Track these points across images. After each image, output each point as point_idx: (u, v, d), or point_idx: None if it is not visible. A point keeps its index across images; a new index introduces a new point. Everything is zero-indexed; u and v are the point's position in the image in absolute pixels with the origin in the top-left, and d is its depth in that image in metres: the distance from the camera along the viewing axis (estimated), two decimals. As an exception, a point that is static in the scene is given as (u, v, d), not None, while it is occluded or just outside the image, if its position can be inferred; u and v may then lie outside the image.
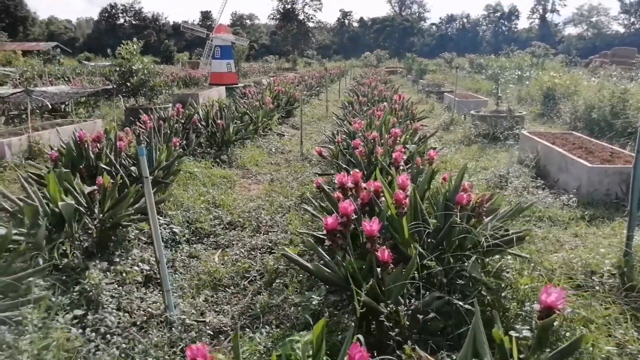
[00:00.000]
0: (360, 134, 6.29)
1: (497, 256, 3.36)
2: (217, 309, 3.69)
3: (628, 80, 15.99)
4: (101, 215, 4.08)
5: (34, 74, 18.06)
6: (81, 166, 5.04)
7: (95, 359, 2.88)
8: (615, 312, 3.18)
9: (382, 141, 5.62)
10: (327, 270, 2.80)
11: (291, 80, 16.38)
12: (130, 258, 4.18)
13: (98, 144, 5.23)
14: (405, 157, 4.99)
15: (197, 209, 5.48)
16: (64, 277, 3.66)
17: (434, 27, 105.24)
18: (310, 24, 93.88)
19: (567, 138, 7.54)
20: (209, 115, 7.96)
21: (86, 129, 8.40)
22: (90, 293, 3.46)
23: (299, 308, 3.23)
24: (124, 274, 3.92)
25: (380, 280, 2.63)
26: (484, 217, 3.30)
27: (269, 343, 2.89)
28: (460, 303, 2.71)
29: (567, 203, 5.68)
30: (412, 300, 2.69)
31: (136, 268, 4.03)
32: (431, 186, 3.87)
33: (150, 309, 3.54)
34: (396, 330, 2.38)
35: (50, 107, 9.39)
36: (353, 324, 2.49)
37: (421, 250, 2.82)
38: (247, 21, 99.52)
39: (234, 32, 73.75)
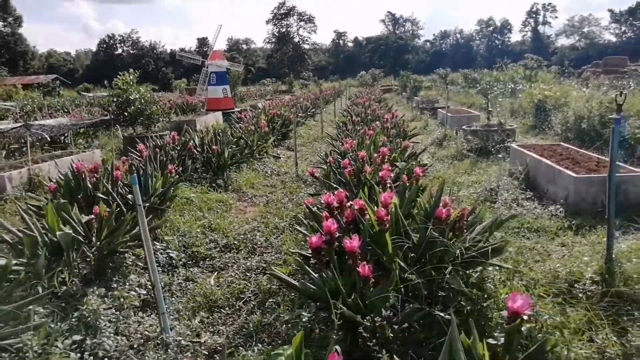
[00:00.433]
0: (351, 154, 6.45)
1: (479, 267, 3.49)
2: (213, 330, 3.79)
3: (618, 90, 16.28)
4: (98, 243, 4.22)
5: (34, 107, 18.39)
6: (79, 196, 5.19)
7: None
8: (594, 318, 3.29)
9: (371, 160, 5.78)
10: (313, 287, 2.93)
11: (286, 102, 16.63)
12: (127, 283, 4.30)
13: (95, 174, 5.39)
14: (393, 175, 5.16)
15: (194, 233, 5.61)
16: (63, 304, 3.78)
17: (428, 43, 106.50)
18: (306, 46, 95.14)
19: (556, 149, 7.70)
20: (204, 141, 8.15)
21: (85, 159, 8.60)
22: (89, 318, 3.58)
23: (290, 325, 3.34)
24: (121, 299, 4.03)
25: (363, 294, 2.76)
26: (465, 231, 3.43)
27: (261, 358, 3.00)
28: (442, 314, 2.83)
29: (555, 213, 5.81)
30: (394, 313, 2.81)
31: (133, 293, 4.15)
32: (418, 202, 4.01)
33: (147, 332, 3.65)
34: (374, 341, 2.50)
35: (49, 139, 9.61)
36: (334, 336, 2.60)
37: (402, 264, 2.94)
38: (244, 46, 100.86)
39: (230, 57, 74.85)
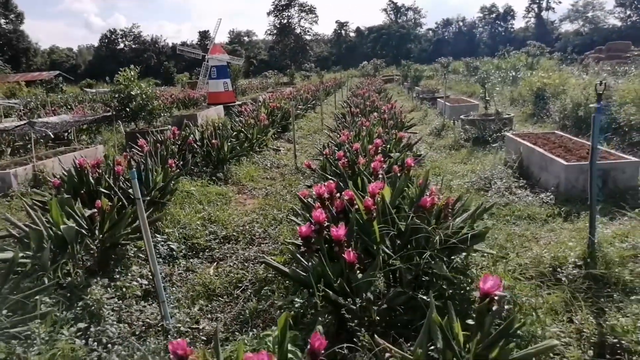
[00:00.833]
0: (347, 146, 6.59)
1: (463, 253, 3.64)
2: (211, 317, 3.97)
3: (618, 76, 16.27)
4: (101, 236, 4.39)
5: (37, 103, 18.58)
6: (82, 191, 5.37)
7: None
8: (573, 300, 3.44)
9: (365, 151, 5.92)
10: (303, 273, 3.09)
11: (287, 95, 16.74)
12: (129, 274, 4.48)
13: (97, 170, 5.56)
14: (386, 165, 5.31)
15: (194, 225, 5.78)
16: (68, 295, 3.97)
17: (430, 32, 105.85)
18: (307, 37, 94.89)
19: (549, 138, 7.81)
20: (204, 136, 8.31)
21: (88, 155, 8.78)
22: (92, 308, 3.76)
23: (283, 310, 3.51)
24: (124, 289, 4.22)
25: (349, 279, 2.92)
26: (449, 218, 3.58)
27: (254, 342, 3.17)
28: (425, 297, 2.99)
29: (546, 201, 5.94)
30: (379, 297, 2.97)
31: (135, 283, 4.33)
32: (406, 191, 4.16)
33: (148, 320, 3.83)
34: (355, 321, 2.65)
35: (52, 136, 9.80)
36: (320, 318, 2.76)
37: (387, 251, 3.10)
38: (245, 38, 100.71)
39: (232, 50, 74.71)
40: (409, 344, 2.58)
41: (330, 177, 5.64)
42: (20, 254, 3.98)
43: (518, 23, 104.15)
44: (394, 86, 32.80)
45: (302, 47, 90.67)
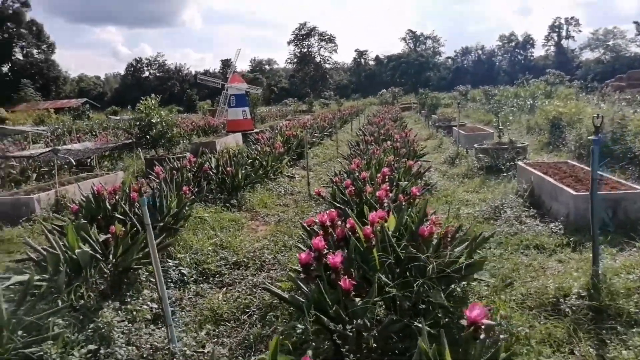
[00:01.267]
0: (357, 174, 6.71)
1: (463, 282, 3.70)
2: (217, 341, 4.07)
3: (636, 105, 16.14)
4: (114, 260, 4.56)
5: (64, 130, 19.24)
6: (99, 216, 5.58)
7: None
8: (570, 331, 3.45)
9: (373, 180, 6.04)
10: (301, 299, 3.18)
11: (304, 123, 17.00)
12: (140, 298, 4.62)
13: (114, 196, 5.78)
14: (392, 194, 5.40)
15: (205, 251, 5.92)
16: (81, 317, 4.12)
17: (449, 60, 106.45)
18: (327, 66, 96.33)
19: (561, 167, 7.81)
20: (219, 163, 8.54)
21: (109, 181, 9.08)
22: (103, 330, 3.89)
23: (284, 336, 3.60)
24: (134, 313, 4.34)
25: (345, 305, 3.00)
26: (448, 247, 3.65)
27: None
28: (420, 325, 3.05)
29: (555, 231, 5.93)
30: (375, 323, 3.03)
31: (145, 307, 4.46)
32: (407, 220, 4.24)
33: (156, 343, 3.94)
34: (347, 347, 2.73)
35: (74, 163, 10.17)
36: (313, 343, 2.84)
37: (384, 278, 3.18)
38: (266, 66, 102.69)
39: (254, 78, 76.13)
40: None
41: (338, 204, 5.75)
42: (37, 277, 4.17)
43: (538, 51, 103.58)
44: (411, 114, 32.99)
45: (321, 76, 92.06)
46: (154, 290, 4.93)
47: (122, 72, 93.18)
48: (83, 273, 4.37)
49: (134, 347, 3.88)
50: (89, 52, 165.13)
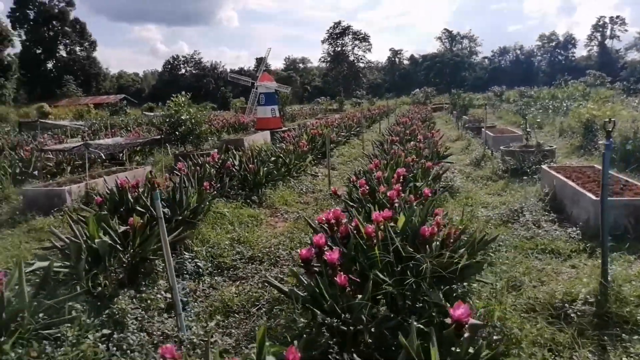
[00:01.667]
0: (372, 174, 6.75)
1: (464, 283, 3.72)
2: (225, 332, 4.21)
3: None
4: (132, 250, 4.77)
5: (100, 125, 19.94)
6: (122, 209, 5.83)
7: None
8: (583, 338, 3.43)
9: (388, 180, 6.08)
10: (300, 293, 3.28)
11: (331, 122, 17.09)
12: (156, 287, 4.81)
13: (137, 189, 6.02)
14: (404, 195, 5.43)
15: (222, 245, 6.10)
16: (98, 303, 4.34)
17: (486, 60, 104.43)
18: (360, 65, 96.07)
19: (585, 172, 7.64)
20: (242, 160, 8.73)
21: (137, 175, 9.41)
22: (117, 316, 4.10)
23: (286, 328, 3.71)
24: (148, 301, 4.54)
25: (341, 300, 3.08)
26: (450, 248, 3.67)
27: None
28: (415, 323, 3.10)
29: (572, 236, 5.84)
30: (369, 320, 3.10)
31: (159, 296, 4.65)
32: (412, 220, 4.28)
33: (166, 331, 4.12)
34: (334, 339, 2.81)
35: (104, 157, 10.59)
36: (321, 339, 2.94)
37: (381, 276, 3.24)
38: (300, 65, 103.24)
39: (287, 76, 76.46)
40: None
41: (351, 204, 5.82)
42: (59, 264, 4.42)
43: (580, 52, 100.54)
44: (442, 115, 32.60)
45: (354, 74, 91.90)
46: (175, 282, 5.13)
47: (160, 69, 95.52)
48: (102, 262, 4.60)
49: (146, 334, 4.06)
50: (128, 49, 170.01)
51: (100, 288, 4.44)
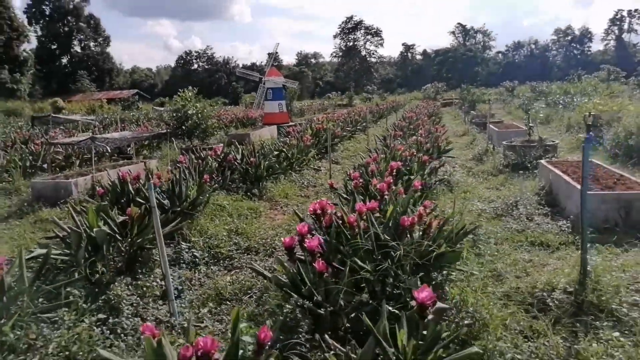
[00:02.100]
0: (368, 167, 6.87)
1: (444, 271, 3.85)
2: (216, 318, 4.39)
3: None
4: (130, 239, 4.96)
5: (112, 120, 20.26)
6: (123, 200, 6.03)
7: (107, 349, 3.65)
8: (558, 325, 3.54)
9: (382, 173, 6.20)
10: (282, 279, 3.43)
11: (337, 117, 17.19)
12: (152, 275, 5.00)
13: (138, 182, 6.22)
14: (395, 187, 5.54)
15: (220, 236, 6.27)
16: (96, 290, 4.54)
17: (500, 55, 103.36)
18: (373, 60, 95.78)
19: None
20: (243, 154, 8.90)
21: (143, 168, 9.62)
22: (113, 302, 4.30)
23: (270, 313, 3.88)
24: (144, 288, 4.72)
25: (319, 285, 3.23)
26: (431, 237, 3.80)
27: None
28: (390, 307, 3.23)
29: (563, 229, 5.91)
30: (346, 304, 3.25)
31: (155, 284, 4.83)
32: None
33: (159, 316, 4.31)
34: (302, 321, 2.95)
35: (109, 151, 10.85)
36: (280, 317, 3.09)
37: (360, 263, 3.38)
38: (312, 60, 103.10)
39: (299, 71, 76.41)
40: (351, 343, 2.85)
41: (344, 196, 5.96)
42: (59, 252, 4.63)
43: (596, 46, 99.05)
44: (451, 110, 32.50)
45: (366, 69, 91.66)
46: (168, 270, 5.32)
47: (173, 65, 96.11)
48: (101, 250, 4.79)
49: (140, 319, 4.24)
50: (142, 44, 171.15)
51: (98, 275, 4.63)
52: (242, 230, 6.63)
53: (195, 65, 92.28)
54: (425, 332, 2.68)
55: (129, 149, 12.75)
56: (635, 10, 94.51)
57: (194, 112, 12.54)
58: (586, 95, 24.52)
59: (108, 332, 3.88)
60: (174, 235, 5.86)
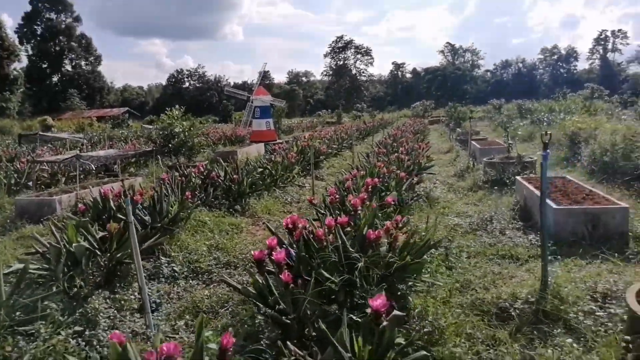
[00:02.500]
0: (347, 183, 7.06)
1: (410, 282, 4.00)
2: (192, 330, 4.49)
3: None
4: (108, 254, 5.08)
5: (100, 138, 20.35)
6: (104, 216, 6.14)
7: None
8: (518, 333, 3.70)
9: (358, 190, 6.38)
10: (252, 290, 3.57)
11: (324, 135, 17.43)
12: (130, 289, 5.11)
13: (119, 199, 6.34)
14: (369, 202, 5.71)
15: (200, 251, 6.38)
16: (74, 303, 4.63)
17: (488, 73, 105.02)
18: (362, 78, 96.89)
19: (555, 182, 7.92)
20: (226, 171, 9.06)
21: (127, 185, 9.73)
22: (90, 315, 4.39)
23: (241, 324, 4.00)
24: (122, 302, 4.82)
25: (284, 296, 3.37)
26: (397, 250, 3.97)
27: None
28: (354, 317, 3.38)
29: (533, 242, 6.11)
30: (310, 314, 3.38)
31: (133, 297, 4.94)
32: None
33: (136, 328, 4.41)
34: (274, 331, 3.09)
35: (94, 169, 10.95)
36: (246, 326, 3.22)
37: (326, 274, 3.53)
38: (303, 78, 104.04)
39: (290, 90, 76.97)
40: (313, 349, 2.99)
41: (322, 211, 6.11)
42: (37, 266, 4.73)
43: (582, 65, 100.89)
44: (439, 127, 32.96)
45: (357, 88, 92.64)
46: (144, 283, 5.42)
47: (164, 83, 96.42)
48: (80, 265, 4.90)
49: (116, 331, 4.34)
50: (134, 63, 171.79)
51: (76, 289, 4.73)
52: (223, 245, 6.75)
53: (187, 84, 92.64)
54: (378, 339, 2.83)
55: (115, 166, 12.85)
56: (619, 31, 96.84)
57: (181, 130, 12.71)
58: (570, 113, 25.06)
59: (84, 344, 3.97)
60: (154, 250, 5.97)
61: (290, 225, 4.25)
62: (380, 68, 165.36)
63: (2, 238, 7.62)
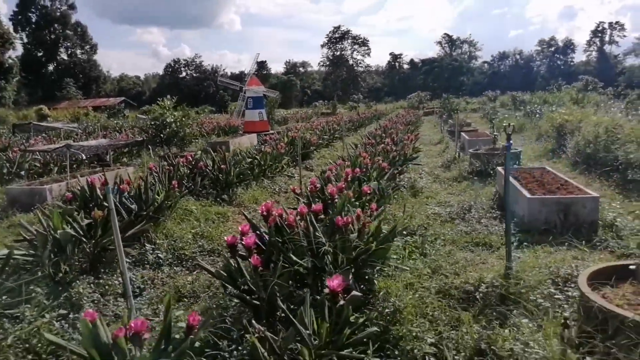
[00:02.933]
0: (327, 173, 7.24)
1: (378, 267, 4.21)
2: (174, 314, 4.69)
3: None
4: (93, 241, 5.26)
5: (95, 127, 20.44)
6: (91, 204, 6.32)
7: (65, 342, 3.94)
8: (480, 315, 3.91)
9: (338, 179, 6.57)
10: (224, 273, 3.77)
11: (315, 126, 17.59)
12: (115, 275, 5.30)
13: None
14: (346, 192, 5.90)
15: (185, 239, 6.57)
16: (59, 288, 4.82)
17: (485, 65, 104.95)
18: (359, 69, 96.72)
19: (534, 173, 8.12)
20: (214, 161, 9.22)
21: (119, 175, 9.89)
22: (74, 299, 4.59)
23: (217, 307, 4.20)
24: (106, 287, 5.02)
25: (254, 278, 3.56)
26: (365, 236, 4.16)
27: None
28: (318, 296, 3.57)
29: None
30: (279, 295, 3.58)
31: (117, 282, 5.13)
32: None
33: (118, 312, 4.61)
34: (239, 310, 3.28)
35: (84, 158, 11.10)
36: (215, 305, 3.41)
37: (294, 258, 3.72)
38: (301, 69, 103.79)
39: (287, 80, 76.82)
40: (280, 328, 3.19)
41: (303, 200, 6.30)
42: (23, 252, 4.91)
43: (579, 57, 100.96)
44: (432, 119, 33.12)
45: (353, 78, 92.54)
46: (129, 269, 5.61)
47: (161, 72, 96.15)
48: (65, 251, 5.08)
49: (100, 314, 4.54)
50: (131, 52, 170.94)
51: (61, 274, 4.92)
52: (208, 233, 6.93)
53: (184, 73, 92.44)
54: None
55: (107, 156, 13.00)
56: (616, 23, 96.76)
57: (172, 120, 12.84)
58: (563, 105, 25.23)
59: (67, 326, 4.16)
60: (139, 238, 6.15)
61: (265, 213, 4.43)
62: (378, 59, 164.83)
63: (-8, 226, 7.80)
